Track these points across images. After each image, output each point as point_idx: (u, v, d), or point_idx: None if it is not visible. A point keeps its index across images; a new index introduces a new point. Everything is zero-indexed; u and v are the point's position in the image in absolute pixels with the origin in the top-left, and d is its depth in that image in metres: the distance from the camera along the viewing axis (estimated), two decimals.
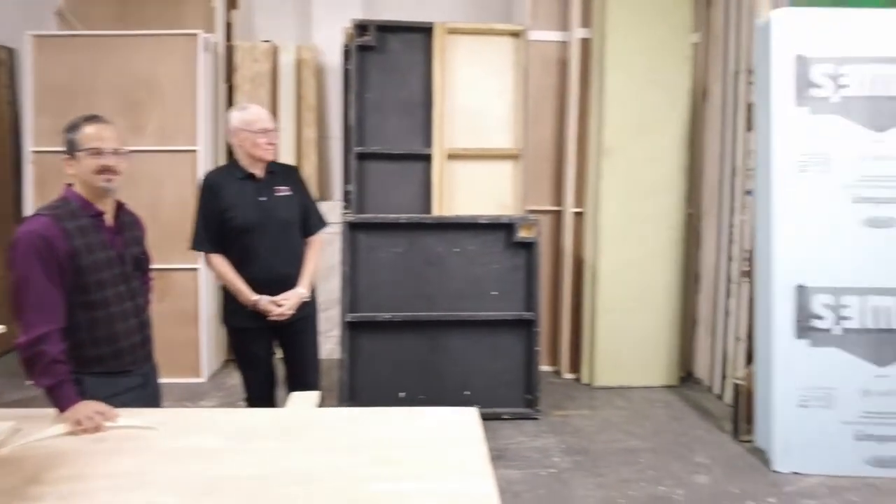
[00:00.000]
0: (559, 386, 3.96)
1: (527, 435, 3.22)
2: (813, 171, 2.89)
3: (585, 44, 3.92)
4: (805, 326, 2.87)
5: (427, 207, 3.76)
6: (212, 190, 2.44)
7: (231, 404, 3.40)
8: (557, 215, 4.12)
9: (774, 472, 2.84)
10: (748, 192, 3.26)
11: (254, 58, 4.24)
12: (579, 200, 4.01)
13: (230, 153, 2.54)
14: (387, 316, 3.33)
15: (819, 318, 2.88)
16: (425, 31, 3.75)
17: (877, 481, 2.77)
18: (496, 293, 3.43)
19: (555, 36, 4.01)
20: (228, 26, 4.27)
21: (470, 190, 3.80)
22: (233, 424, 1.56)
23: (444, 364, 3.40)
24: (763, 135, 3.00)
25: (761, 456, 2.96)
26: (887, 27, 2.96)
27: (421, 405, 2.37)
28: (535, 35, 3.95)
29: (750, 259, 3.19)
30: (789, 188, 2.89)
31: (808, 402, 2.86)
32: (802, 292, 2.88)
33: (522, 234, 3.39)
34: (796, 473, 2.82)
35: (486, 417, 3.27)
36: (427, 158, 3.72)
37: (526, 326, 3.43)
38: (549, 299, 4.09)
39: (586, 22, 3.90)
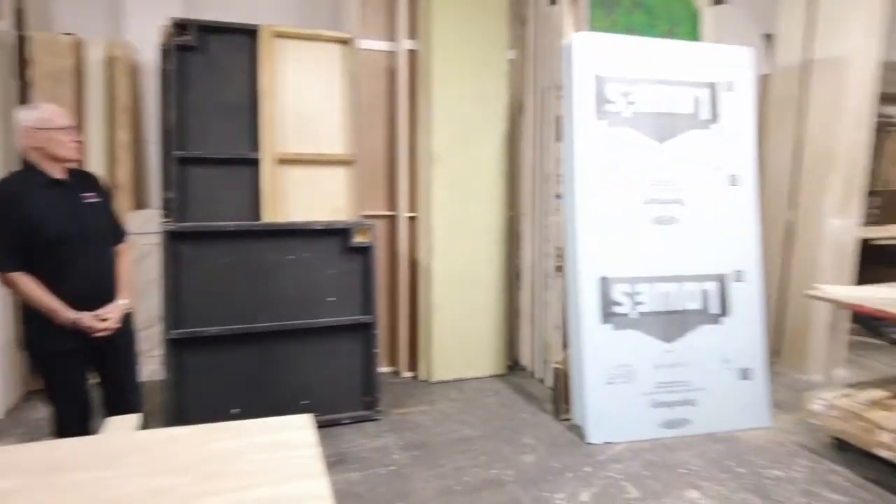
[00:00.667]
0: (398, 385, 4.07)
1: (367, 436, 3.28)
2: (610, 177, 3.31)
3: (413, 55, 4.07)
4: (608, 312, 3.28)
5: (257, 214, 3.65)
6: (11, 200, 2.16)
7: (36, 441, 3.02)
8: (392, 220, 4.23)
9: (589, 444, 3.19)
10: (558, 196, 3.62)
11: (53, 52, 3.79)
12: (412, 205, 4.15)
13: (25, 160, 2.26)
14: (215, 330, 3.18)
15: (619, 304, 3.30)
16: (250, 33, 3.64)
17: (668, 441, 3.24)
18: (333, 299, 3.44)
19: (383, 45, 4.11)
20: (20, 14, 3.78)
21: (303, 196, 3.75)
22: (35, 460, 1.41)
23: (280, 375, 3.33)
24: (569, 145, 3.36)
25: (578, 431, 3.30)
26: (665, 54, 3.48)
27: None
28: (365, 44, 4.02)
29: (561, 255, 3.55)
30: (591, 192, 3.28)
31: (614, 379, 3.26)
32: (605, 283, 3.28)
33: (358, 239, 3.44)
34: (607, 443, 3.20)
35: (326, 424, 3.28)
36: (255, 163, 3.62)
37: (364, 330, 3.48)
38: (387, 302, 4.19)
39: (413, 34, 4.06)
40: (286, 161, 3.69)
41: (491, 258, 4.17)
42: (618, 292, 3.29)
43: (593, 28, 3.64)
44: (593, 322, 3.25)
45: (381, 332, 3.94)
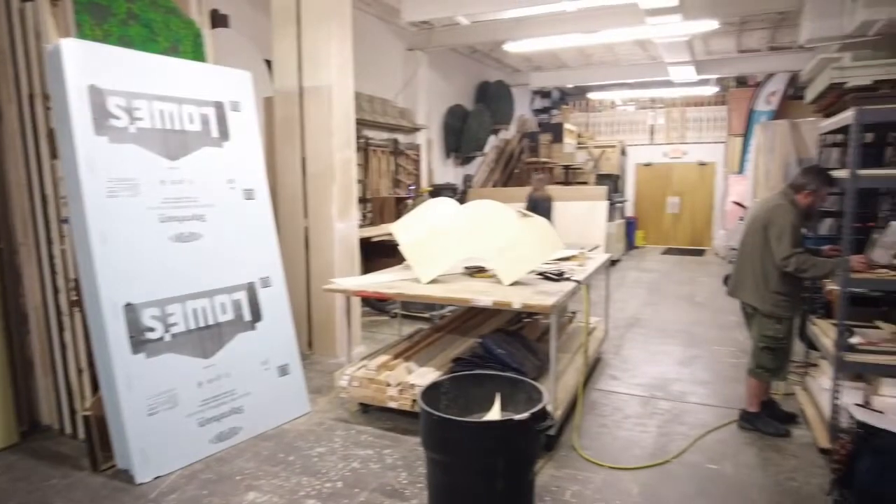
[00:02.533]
0: None
1: None
2: (122, 196, 3.09)
3: None
4: (139, 341, 3.07)
5: None
6: None
7: None
8: None
9: (139, 484, 2.94)
10: (64, 221, 3.19)
11: None
12: None
13: None
14: None
15: (151, 329, 3.13)
16: None
17: (222, 454, 3.26)
18: None
19: None
20: None
21: None
22: None
23: None
24: (69, 162, 2.99)
25: (125, 476, 3.00)
26: (170, 71, 3.44)
27: None
28: None
29: (77, 288, 3.14)
30: (102, 214, 3.00)
31: (156, 408, 3.08)
32: (131, 310, 3.05)
33: None
34: (158, 477, 3.01)
35: None
36: None
37: None
38: None
39: None
40: None
41: None
42: (147, 317, 3.12)
43: (82, 35, 3.31)
44: (124, 354, 2.99)
45: None
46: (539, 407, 2.32)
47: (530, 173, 9.62)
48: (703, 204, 13.05)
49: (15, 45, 3.37)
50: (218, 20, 5.42)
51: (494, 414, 2.52)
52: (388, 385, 3.49)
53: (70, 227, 3.12)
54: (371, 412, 3.73)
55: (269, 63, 5.49)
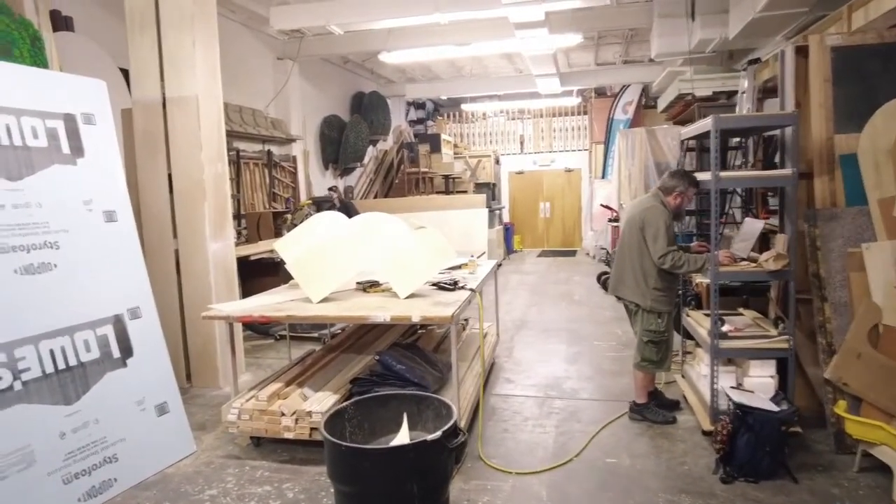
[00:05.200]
0: None
1: None
2: None
3: None
4: None
5: None
6: None
7: None
8: None
9: None
10: None
11: None
12: None
13: None
14: None
15: None
16: None
17: None
18: None
19: None
20: None
21: None
22: None
23: None
24: None
25: None
26: (5, 78, 2.98)
27: None
28: None
29: None
30: None
31: (6, 471, 2.63)
32: None
33: None
34: None
35: None
36: None
37: None
38: None
39: None
40: None
41: None
42: None
43: None
44: None
45: None
46: (450, 424, 2.26)
47: (412, 183, 9.63)
48: (572, 208, 13.85)
49: None
50: (60, 23, 4.84)
51: (403, 436, 2.43)
52: (283, 415, 3.26)
53: None
54: (264, 444, 3.47)
55: (125, 72, 5.00)
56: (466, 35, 8.01)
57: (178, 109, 4.44)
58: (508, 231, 12.79)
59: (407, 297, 3.51)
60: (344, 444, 2.15)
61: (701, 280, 4.59)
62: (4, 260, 2.79)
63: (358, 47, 8.64)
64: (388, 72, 11.18)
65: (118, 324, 3.24)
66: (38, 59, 3.59)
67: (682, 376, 4.18)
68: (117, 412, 3.12)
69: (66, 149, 3.20)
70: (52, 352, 2.91)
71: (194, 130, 4.42)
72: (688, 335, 4.12)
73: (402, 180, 10.97)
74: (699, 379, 3.74)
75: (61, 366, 2.93)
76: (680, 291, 4.07)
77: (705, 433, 3.41)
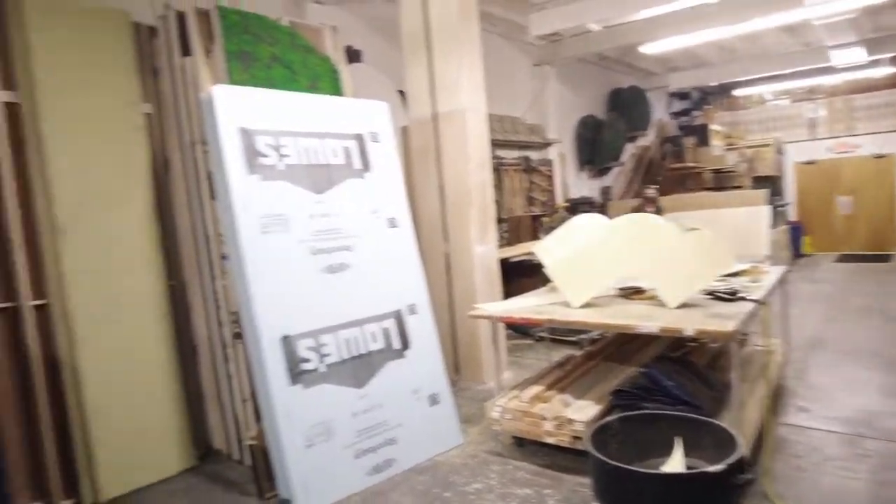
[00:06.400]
0: None
1: None
2: (274, 232, 3.18)
3: (13, 108, 3.31)
4: (296, 372, 3.11)
5: None
6: None
7: None
8: (11, 313, 3.32)
9: None
10: (224, 257, 3.34)
11: None
12: (39, 290, 3.34)
13: None
14: None
15: (306, 360, 3.16)
16: None
17: (378, 487, 3.20)
18: None
19: None
20: None
21: None
22: None
23: None
24: (224, 202, 3.13)
25: None
26: (311, 108, 3.54)
27: None
28: None
29: (238, 320, 3.26)
30: (257, 249, 3.09)
31: (313, 440, 3.09)
32: (288, 342, 3.11)
33: None
34: None
35: None
36: None
37: None
38: (20, 420, 3.25)
39: (8, 84, 3.31)
40: None
41: (156, 338, 3.60)
42: (303, 348, 3.16)
43: (232, 81, 3.50)
44: (282, 385, 3.04)
45: (15, 459, 3.03)
46: (736, 456, 1.96)
47: (677, 180, 8.96)
48: (884, 202, 11.34)
49: (177, 97, 3.64)
50: (352, 56, 5.61)
51: (676, 462, 2.19)
52: (544, 419, 3.24)
53: (228, 264, 3.26)
54: (526, 446, 3.49)
55: (401, 93, 5.57)
56: (739, 13, 7.12)
57: (447, 124, 4.77)
58: (796, 231, 11.02)
59: (677, 307, 3.21)
60: (611, 462, 2.01)
61: None
62: (314, 261, 3.29)
63: (616, 42, 8.32)
64: (647, 63, 10.57)
65: (398, 318, 3.59)
66: (335, 89, 4.19)
67: None
68: (397, 399, 3.45)
69: (357, 164, 3.66)
70: (346, 340, 3.34)
71: (462, 143, 4.70)
72: None
73: (665, 177, 10.26)
74: None
75: (354, 353, 3.35)
76: None
77: None
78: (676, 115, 12.85)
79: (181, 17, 3.59)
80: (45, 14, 3.31)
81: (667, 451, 2.32)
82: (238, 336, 3.32)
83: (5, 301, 3.32)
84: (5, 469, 2.79)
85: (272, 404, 3.01)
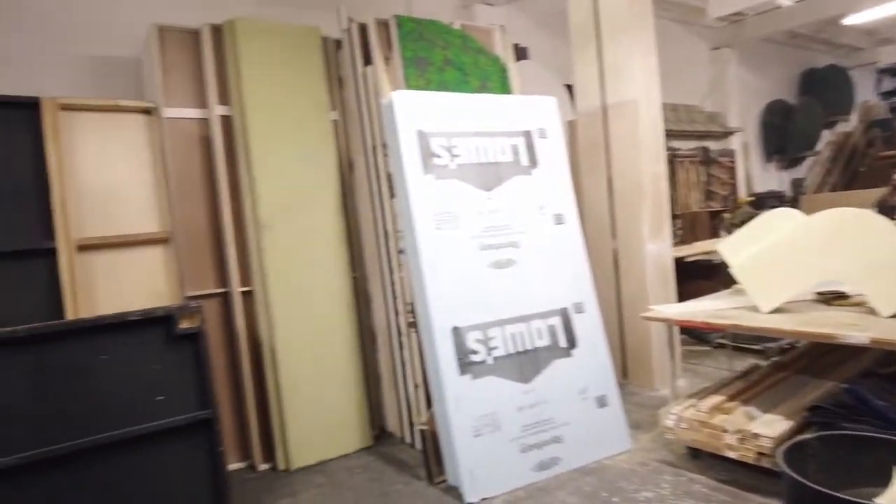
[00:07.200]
0: (254, 481, 3.63)
1: None
2: (446, 228, 3.31)
3: (227, 121, 3.83)
4: (466, 362, 3.21)
5: (58, 312, 3.11)
6: None
7: None
8: (224, 298, 3.85)
9: None
10: (401, 252, 3.55)
11: None
12: (245, 279, 3.83)
13: None
14: (9, 461, 2.58)
15: (475, 352, 3.25)
16: (29, 106, 3.19)
17: (542, 483, 3.20)
18: (162, 397, 2.98)
19: (193, 113, 3.81)
20: None
21: (113, 283, 3.29)
22: None
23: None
24: (402, 200, 3.32)
25: (455, 493, 3.14)
26: (481, 108, 3.63)
27: None
28: (171, 112, 3.70)
29: (412, 311, 3.45)
30: (431, 244, 3.24)
31: (481, 430, 3.17)
32: (458, 333, 3.22)
33: (184, 324, 3.04)
34: (484, 499, 3.08)
35: None
36: (49, 253, 3.10)
37: (204, 427, 3.05)
38: (229, 390, 3.76)
39: (224, 99, 3.82)
40: (88, 247, 3.22)
41: (341, 325, 3.94)
42: (472, 340, 3.25)
43: (409, 86, 3.70)
44: (452, 374, 3.16)
45: (227, 424, 3.51)
46: None
47: (886, 171, 7.72)
48: None
49: (360, 104, 3.93)
50: (520, 53, 5.63)
51: (893, 496, 1.90)
52: (725, 431, 2.99)
53: (405, 258, 3.45)
54: (702, 458, 3.26)
55: (568, 88, 5.48)
56: None
57: (617, 114, 4.60)
58: None
59: (891, 316, 2.78)
60: (813, 485, 1.81)
61: None
62: (484, 256, 3.38)
63: (813, 16, 7.43)
64: (850, 38, 9.26)
65: (564, 316, 3.54)
66: (504, 87, 4.24)
67: None
68: (562, 397, 3.41)
69: (524, 161, 3.67)
70: (513, 335, 3.38)
71: (632, 134, 4.51)
72: None
73: (870, 167, 8.92)
74: None
75: (520, 348, 3.37)
76: None
77: None
78: (887, 94, 11.09)
79: (363, 29, 3.88)
80: (251, 35, 3.77)
81: (879, 481, 2.03)
82: (412, 325, 3.51)
83: (220, 287, 3.85)
84: (220, 431, 3.24)
85: (443, 392, 3.14)
